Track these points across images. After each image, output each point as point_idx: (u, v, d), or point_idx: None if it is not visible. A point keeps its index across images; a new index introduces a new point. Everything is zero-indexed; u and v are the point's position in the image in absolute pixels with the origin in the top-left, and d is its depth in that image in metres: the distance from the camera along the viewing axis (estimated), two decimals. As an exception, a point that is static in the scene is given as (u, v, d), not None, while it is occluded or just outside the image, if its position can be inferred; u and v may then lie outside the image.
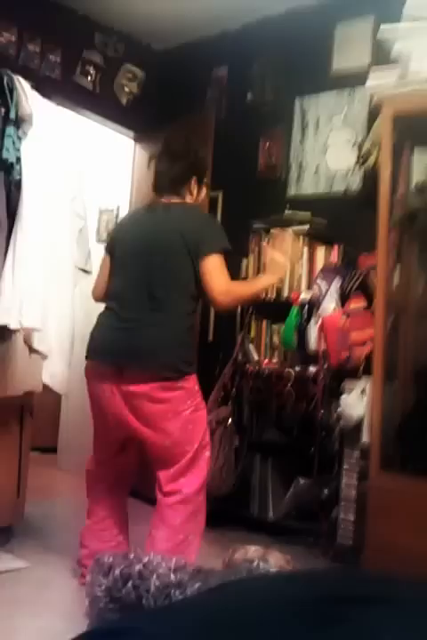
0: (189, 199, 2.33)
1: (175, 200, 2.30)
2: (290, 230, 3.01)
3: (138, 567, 1.77)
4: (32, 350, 2.61)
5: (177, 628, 0.92)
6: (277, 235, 2.55)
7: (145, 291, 2.20)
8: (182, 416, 2.17)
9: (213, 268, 2.17)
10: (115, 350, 2.18)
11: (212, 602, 1.06)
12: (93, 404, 2.31)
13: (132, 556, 1.90)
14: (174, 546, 2.12)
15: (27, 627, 2.00)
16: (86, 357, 2.29)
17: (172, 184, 2.30)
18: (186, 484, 2.18)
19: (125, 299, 2.24)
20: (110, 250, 2.36)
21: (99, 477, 2.40)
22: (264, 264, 2.68)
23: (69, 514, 3.30)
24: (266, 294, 3.20)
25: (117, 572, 1.79)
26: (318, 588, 1.01)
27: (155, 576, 1.73)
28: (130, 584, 1.75)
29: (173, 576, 1.73)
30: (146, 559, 1.81)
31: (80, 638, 0.98)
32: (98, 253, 3.97)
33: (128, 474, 2.43)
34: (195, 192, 2.35)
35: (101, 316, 2.30)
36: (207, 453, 2.27)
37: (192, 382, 2.21)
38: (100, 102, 3.78)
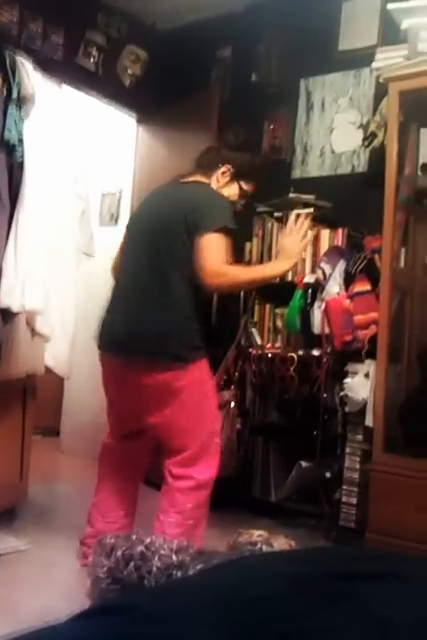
0: (214, 185, 2.25)
1: (193, 178, 2.24)
2: (304, 212, 2.82)
3: (140, 548, 1.77)
4: (34, 333, 2.60)
5: (177, 604, 0.91)
6: (295, 216, 2.35)
7: (148, 272, 2.15)
8: (190, 402, 2.12)
9: (207, 247, 2.04)
10: (119, 341, 2.15)
11: (212, 579, 1.05)
12: (105, 390, 2.31)
13: (134, 536, 1.90)
14: (184, 530, 2.09)
15: (30, 606, 2.00)
16: (98, 348, 2.27)
17: (198, 163, 2.28)
18: (198, 471, 2.15)
19: (129, 280, 2.22)
20: (128, 226, 2.37)
21: (110, 453, 2.38)
22: (276, 248, 2.58)
23: (72, 495, 3.31)
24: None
25: (119, 553, 1.79)
26: (321, 565, 1.00)
27: (157, 557, 1.73)
28: (132, 565, 1.75)
29: (174, 557, 1.73)
30: (148, 540, 1.81)
31: (80, 615, 0.98)
32: (101, 237, 3.99)
33: (140, 459, 2.39)
34: (222, 181, 2.26)
35: (110, 296, 2.29)
36: (217, 440, 2.22)
37: (200, 369, 2.14)
38: (103, 84, 3.74)
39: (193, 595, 0.96)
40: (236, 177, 2.27)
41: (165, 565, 1.67)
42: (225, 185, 2.26)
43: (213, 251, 2.05)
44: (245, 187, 2.31)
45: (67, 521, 2.72)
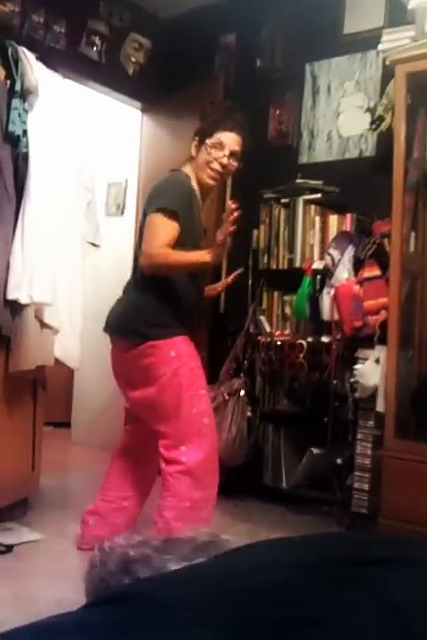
0: (189, 165, 2.26)
1: (175, 168, 2.26)
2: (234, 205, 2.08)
3: (132, 553, 1.61)
4: (43, 325, 2.60)
5: (188, 592, 0.91)
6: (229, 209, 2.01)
7: (134, 259, 2.33)
8: (160, 381, 2.13)
9: (146, 228, 2.09)
10: (105, 322, 2.31)
11: (223, 566, 1.05)
12: None
13: (122, 541, 1.71)
14: (180, 512, 2.09)
15: (43, 597, 2.01)
16: None
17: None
18: (186, 454, 2.12)
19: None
20: None
21: (123, 435, 2.49)
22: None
23: (84, 486, 3.32)
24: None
25: (112, 566, 1.63)
26: (331, 550, 0.99)
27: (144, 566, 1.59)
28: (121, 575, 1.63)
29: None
30: (138, 544, 1.63)
31: (93, 603, 0.98)
32: (107, 227, 3.98)
33: (147, 444, 2.36)
34: (195, 153, 2.25)
35: None
36: (205, 420, 2.15)
37: (166, 346, 2.12)
38: (107, 73, 3.72)
39: (203, 582, 0.96)
40: (200, 138, 2.23)
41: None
42: (197, 155, 2.23)
43: (149, 232, 2.09)
44: (209, 143, 2.20)
45: (79, 511, 2.72)
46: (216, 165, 2.21)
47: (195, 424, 2.14)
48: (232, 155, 2.22)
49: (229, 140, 2.21)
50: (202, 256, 2.02)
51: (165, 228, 2.06)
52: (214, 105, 2.40)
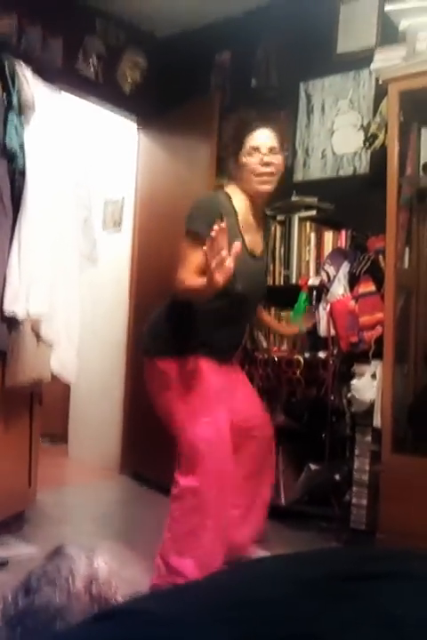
0: (232, 184, 2.18)
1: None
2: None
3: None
4: (40, 339, 2.60)
5: (188, 607, 0.91)
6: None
7: None
8: (152, 394, 2.18)
9: (179, 254, 2.05)
10: None
11: (221, 582, 1.05)
12: None
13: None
14: (175, 537, 2.07)
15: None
16: None
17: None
18: (181, 476, 2.09)
19: None
20: None
21: None
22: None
23: (81, 501, 3.31)
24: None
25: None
26: (329, 565, 0.99)
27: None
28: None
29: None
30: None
31: (90, 620, 0.97)
32: (104, 243, 4.00)
33: (240, 454, 2.26)
34: (236, 173, 2.15)
35: None
36: (201, 446, 2.05)
37: (163, 365, 2.11)
38: (103, 91, 3.75)
39: (203, 598, 0.96)
40: (235, 158, 2.14)
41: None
42: (241, 174, 2.13)
43: (180, 258, 2.03)
44: (244, 156, 2.10)
45: (76, 526, 2.72)
46: (260, 168, 2.09)
47: (187, 446, 2.09)
48: (271, 151, 2.11)
49: (260, 138, 2.11)
50: (209, 279, 1.81)
51: (190, 254, 1.99)
52: (229, 120, 2.34)
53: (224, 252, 1.73)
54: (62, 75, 3.40)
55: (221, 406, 2.12)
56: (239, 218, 2.11)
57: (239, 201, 2.13)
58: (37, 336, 2.57)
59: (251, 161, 2.09)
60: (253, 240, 2.18)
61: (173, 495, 2.11)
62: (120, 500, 3.54)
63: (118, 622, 0.83)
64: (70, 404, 4.41)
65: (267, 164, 2.09)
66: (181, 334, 2.13)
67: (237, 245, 1.78)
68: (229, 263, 1.75)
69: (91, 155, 4.18)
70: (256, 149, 2.10)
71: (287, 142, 2.19)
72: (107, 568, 1.08)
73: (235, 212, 2.10)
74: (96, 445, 4.06)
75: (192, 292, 1.99)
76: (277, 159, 2.13)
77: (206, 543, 2.05)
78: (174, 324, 2.14)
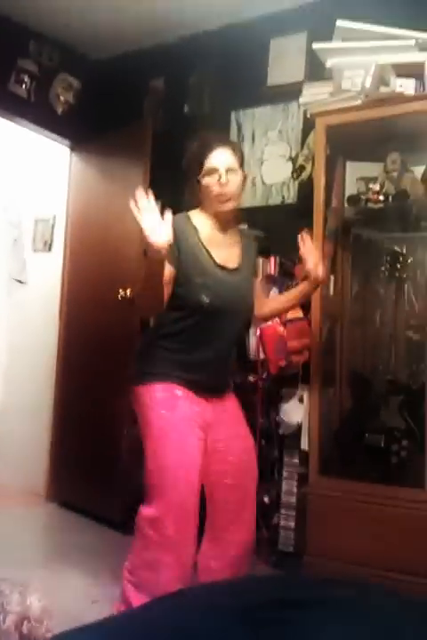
0: (200, 207, 2.16)
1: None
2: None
3: None
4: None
5: (125, 636, 0.91)
6: None
7: None
8: (139, 426, 2.11)
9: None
10: None
11: (154, 612, 1.06)
12: None
13: None
14: (132, 569, 1.99)
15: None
16: None
17: None
18: (142, 505, 2.02)
19: None
20: None
21: None
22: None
23: (3, 529, 3.20)
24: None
25: None
26: (258, 593, 1.02)
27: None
28: None
29: None
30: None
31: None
32: (34, 263, 3.92)
33: None
34: (199, 197, 2.12)
35: None
36: (167, 475, 1.97)
37: (140, 392, 2.07)
38: (35, 111, 3.71)
39: (135, 629, 0.97)
40: (196, 181, 2.10)
41: None
42: (202, 196, 2.11)
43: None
44: (203, 178, 2.08)
45: (2, 554, 2.62)
46: (218, 189, 2.07)
47: (153, 475, 2.00)
48: (229, 170, 2.08)
49: (217, 159, 2.09)
50: (146, 245, 1.81)
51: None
52: (186, 147, 2.27)
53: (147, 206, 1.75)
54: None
55: (190, 437, 2.03)
56: (202, 235, 2.10)
57: (200, 220, 2.13)
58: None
59: (210, 182, 2.08)
60: (224, 253, 2.15)
61: (135, 525, 2.03)
62: (49, 526, 3.45)
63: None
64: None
65: (223, 185, 2.08)
66: (152, 361, 2.08)
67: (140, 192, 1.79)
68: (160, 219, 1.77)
69: (21, 172, 4.11)
70: (215, 170, 2.08)
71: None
72: (40, 606, 1.05)
73: (195, 228, 2.11)
74: (20, 470, 3.94)
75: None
76: (236, 179, 2.12)
77: (165, 581, 1.90)
78: (145, 350, 2.12)
